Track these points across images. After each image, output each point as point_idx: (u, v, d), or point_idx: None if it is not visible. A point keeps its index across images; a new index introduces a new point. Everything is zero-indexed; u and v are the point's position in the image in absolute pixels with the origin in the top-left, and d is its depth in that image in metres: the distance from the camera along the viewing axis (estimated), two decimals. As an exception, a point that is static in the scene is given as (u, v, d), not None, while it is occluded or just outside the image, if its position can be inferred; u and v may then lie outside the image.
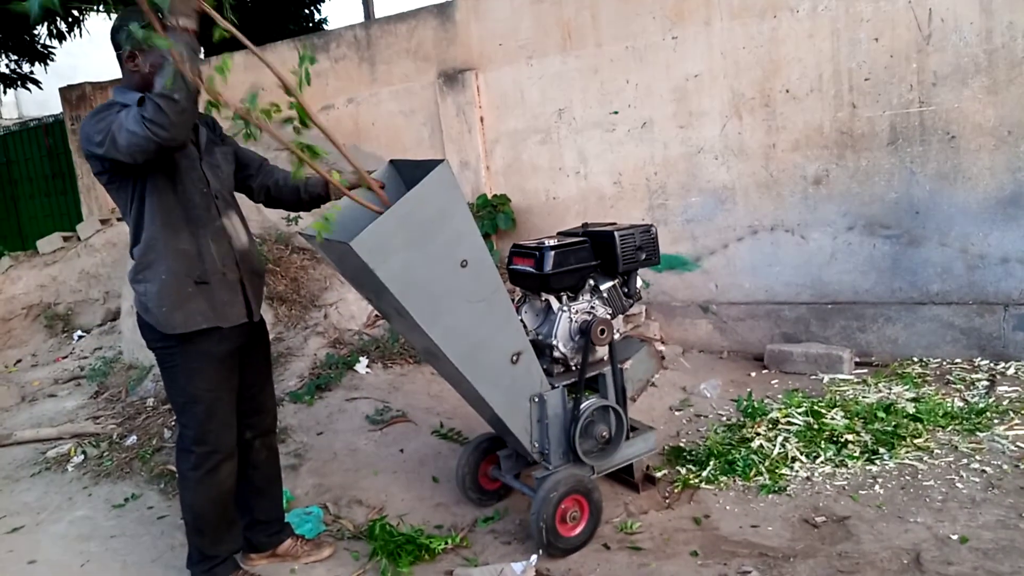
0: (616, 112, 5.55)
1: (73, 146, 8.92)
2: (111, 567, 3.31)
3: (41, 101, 13.95)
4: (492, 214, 5.93)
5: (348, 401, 4.50)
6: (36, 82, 10.94)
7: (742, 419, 4.15)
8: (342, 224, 2.91)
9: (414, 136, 6.54)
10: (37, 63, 10.76)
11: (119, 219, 8.02)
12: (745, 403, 4.30)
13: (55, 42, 10.27)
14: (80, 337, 6.90)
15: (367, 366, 4.85)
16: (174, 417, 4.60)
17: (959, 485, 3.27)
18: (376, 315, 5.34)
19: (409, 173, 3.05)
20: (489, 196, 6.10)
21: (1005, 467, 3.36)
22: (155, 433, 4.54)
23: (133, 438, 4.54)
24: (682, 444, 3.99)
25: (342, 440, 4.17)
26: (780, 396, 4.40)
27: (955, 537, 2.89)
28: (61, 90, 8.89)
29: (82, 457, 4.45)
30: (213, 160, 2.90)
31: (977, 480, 3.29)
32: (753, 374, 4.94)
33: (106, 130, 2.50)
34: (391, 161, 3.15)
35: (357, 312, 5.38)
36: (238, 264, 2.89)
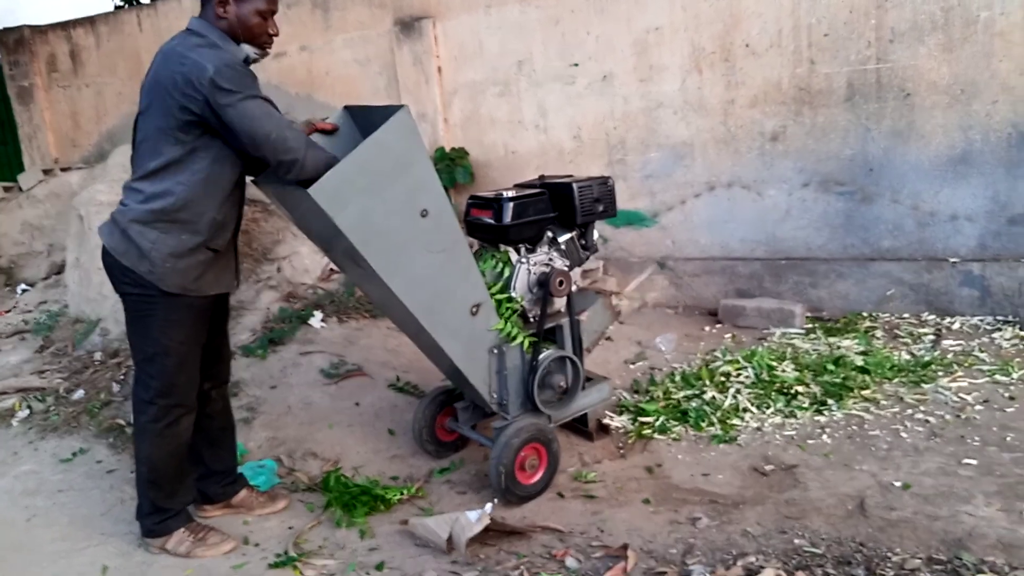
0: (576, 65, 5.49)
1: (12, 92, 8.56)
2: (58, 521, 3.24)
3: (-23, 45, 13.34)
4: (450, 168, 5.86)
5: (302, 355, 4.44)
6: (-28, 25, 10.44)
7: (696, 371, 4.20)
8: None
9: (370, 86, 6.40)
10: (-28, 4, 10.25)
11: (63, 169, 7.76)
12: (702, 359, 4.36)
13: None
14: (24, 291, 6.70)
15: (322, 320, 4.79)
16: (123, 371, 4.55)
17: (903, 435, 3.37)
18: (331, 268, 5.27)
19: (365, 120, 2.98)
20: (447, 149, 6.02)
21: (947, 417, 3.46)
22: (103, 387, 4.44)
23: (80, 392, 4.44)
24: (636, 396, 4.04)
25: (296, 394, 4.13)
26: (726, 347, 4.46)
27: (898, 484, 2.97)
28: (-2, 33, 8.51)
29: (27, 412, 4.34)
30: None
31: (921, 430, 3.39)
32: (707, 328, 5.00)
33: (280, 125, 2.54)
34: (346, 107, 3.06)
35: (311, 266, 5.30)
36: (235, 235, 2.92)
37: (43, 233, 7.11)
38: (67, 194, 6.97)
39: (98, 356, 4.83)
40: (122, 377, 4.51)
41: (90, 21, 8.10)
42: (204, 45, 2.59)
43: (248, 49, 2.72)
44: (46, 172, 7.65)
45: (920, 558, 2.47)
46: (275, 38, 2.81)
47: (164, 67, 2.60)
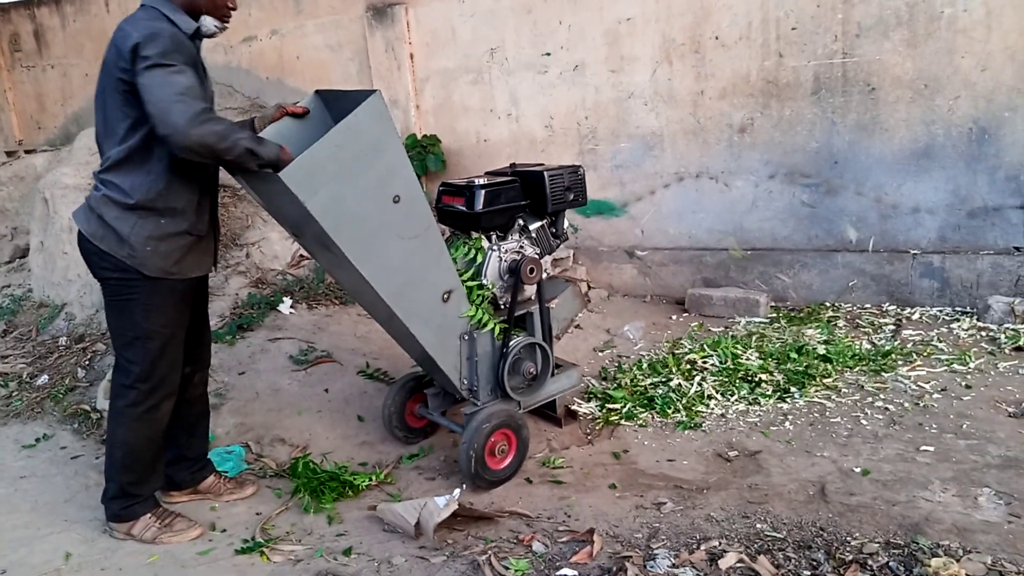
0: (549, 54, 5.49)
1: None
2: (20, 508, 3.20)
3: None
4: (422, 155, 5.84)
5: (271, 341, 4.42)
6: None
7: (663, 358, 4.25)
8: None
9: (341, 72, 6.35)
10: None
11: (27, 151, 7.60)
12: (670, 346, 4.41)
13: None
14: (-15, 274, 6.56)
15: (291, 306, 4.77)
16: (88, 356, 4.49)
17: (863, 422, 3.44)
18: (301, 254, 5.24)
19: (336, 104, 2.96)
20: (419, 136, 6.01)
21: (906, 405, 3.55)
22: (68, 372, 4.39)
23: (44, 378, 4.38)
24: (604, 383, 4.08)
25: (265, 380, 4.11)
26: (691, 335, 4.52)
27: (858, 470, 3.05)
28: (-43, 10, 8.29)
29: (-11, 397, 4.28)
30: None
31: (880, 417, 3.47)
32: (674, 317, 5.06)
33: (168, 98, 2.41)
34: (317, 91, 3.05)
35: (281, 252, 5.27)
36: (212, 216, 2.89)
37: (6, 216, 6.96)
38: (32, 177, 6.84)
39: (63, 341, 4.77)
40: (87, 362, 4.46)
41: (55, 0, 7.93)
42: (147, 18, 2.56)
43: (209, 21, 2.69)
44: (9, 154, 7.48)
45: (878, 542, 2.53)
46: (233, 12, 2.78)
47: (110, 44, 2.59)
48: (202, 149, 2.44)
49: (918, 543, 2.49)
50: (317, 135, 2.58)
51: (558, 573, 2.51)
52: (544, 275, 3.32)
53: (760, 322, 4.75)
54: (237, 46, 6.68)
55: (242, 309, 4.71)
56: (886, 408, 3.54)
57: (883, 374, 3.86)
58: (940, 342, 4.17)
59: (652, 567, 2.49)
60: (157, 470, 2.97)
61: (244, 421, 3.79)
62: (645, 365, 4.21)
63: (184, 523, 2.94)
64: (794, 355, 4.07)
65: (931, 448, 3.15)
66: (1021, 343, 4.01)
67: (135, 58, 2.45)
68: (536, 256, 3.30)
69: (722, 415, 3.64)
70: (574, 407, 3.76)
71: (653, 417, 3.68)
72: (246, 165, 2.54)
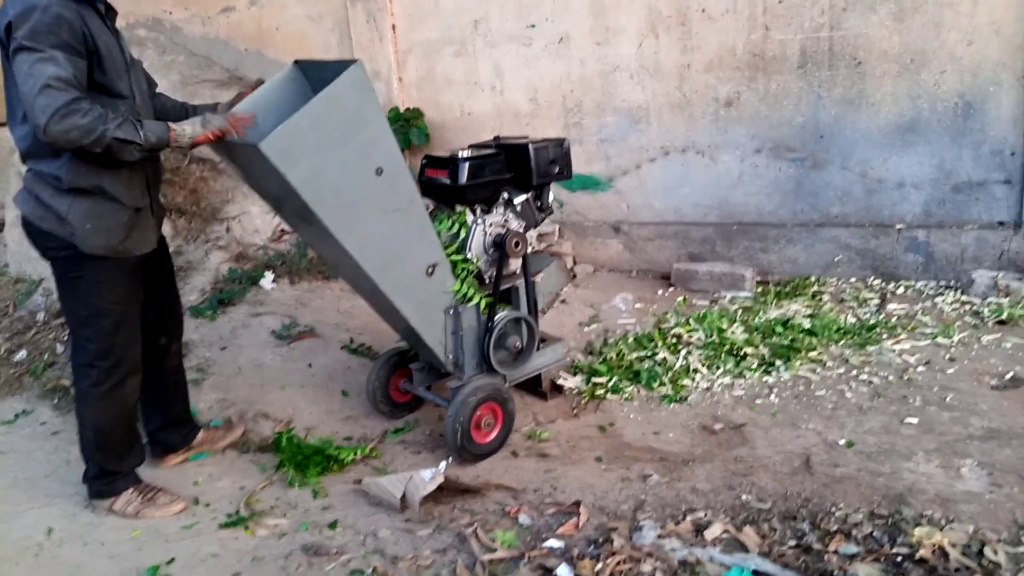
0: (533, 26, 5.42)
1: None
2: (0, 484, 3.17)
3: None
4: (404, 128, 5.77)
5: (253, 316, 4.38)
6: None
7: (649, 332, 4.25)
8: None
9: (322, 43, 6.24)
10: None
11: (1, 125, 7.44)
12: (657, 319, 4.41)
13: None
14: (-40, 250, 6.45)
15: (273, 281, 4.73)
16: (67, 331, 4.42)
17: (848, 395, 3.46)
18: (282, 229, 5.18)
19: (317, 75, 2.91)
20: (401, 109, 5.93)
21: (891, 378, 3.56)
22: (47, 348, 4.33)
23: (23, 353, 4.32)
24: (589, 357, 4.08)
25: (247, 355, 4.07)
26: (677, 310, 4.52)
27: (842, 442, 3.06)
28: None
29: (-34, 373, 4.21)
30: (139, 82, 2.75)
31: (865, 390, 3.49)
32: (660, 292, 5.05)
33: (33, 90, 2.28)
34: (296, 61, 2.99)
35: (262, 226, 5.20)
36: (150, 189, 2.80)
37: (-21, 191, 6.84)
38: (5, 151, 6.69)
39: (41, 316, 4.69)
40: (66, 338, 4.39)
41: (26, -31, 7.73)
42: None
43: None
44: (-19, 128, 7.33)
45: (863, 512, 2.55)
46: None
47: None
48: (67, 144, 2.36)
49: (902, 513, 2.52)
50: (297, 106, 2.53)
51: (544, 544, 2.51)
52: (529, 249, 3.30)
53: (746, 296, 4.75)
54: (215, 17, 6.54)
55: (223, 284, 4.66)
56: (871, 381, 3.56)
57: (868, 347, 3.87)
58: (924, 316, 4.19)
59: (638, 538, 2.49)
60: (135, 445, 2.95)
61: (226, 396, 3.76)
62: (631, 339, 4.21)
63: (167, 497, 2.92)
64: (779, 329, 4.08)
65: (915, 420, 3.18)
66: (1004, 317, 4.03)
67: (10, 38, 2.34)
68: (521, 230, 3.28)
69: (707, 388, 3.65)
70: (560, 381, 3.75)
71: (639, 391, 3.68)
72: (123, 156, 2.46)
